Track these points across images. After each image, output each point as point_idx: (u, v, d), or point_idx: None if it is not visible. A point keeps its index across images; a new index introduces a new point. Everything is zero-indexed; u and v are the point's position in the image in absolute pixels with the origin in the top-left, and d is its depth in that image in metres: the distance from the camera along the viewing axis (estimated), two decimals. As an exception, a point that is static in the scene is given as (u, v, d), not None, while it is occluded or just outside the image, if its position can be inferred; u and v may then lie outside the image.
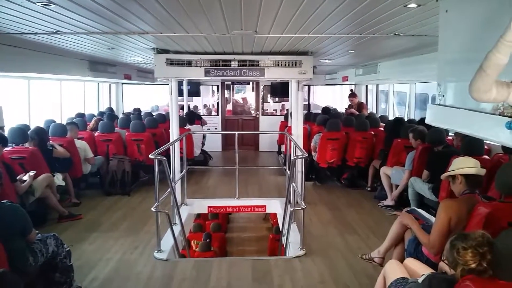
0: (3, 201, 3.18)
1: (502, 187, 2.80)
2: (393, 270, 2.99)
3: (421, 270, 2.80)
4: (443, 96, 2.27)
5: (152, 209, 4.49)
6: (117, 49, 5.64)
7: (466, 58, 2.05)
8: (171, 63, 5.74)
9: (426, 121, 2.43)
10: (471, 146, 4.75)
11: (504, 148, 4.70)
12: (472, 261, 1.86)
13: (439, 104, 2.28)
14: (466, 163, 3.21)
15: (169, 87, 6.08)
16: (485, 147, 5.17)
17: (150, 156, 4.50)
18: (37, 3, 2.73)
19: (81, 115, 8.42)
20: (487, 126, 1.82)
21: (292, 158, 5.20)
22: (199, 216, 9.23)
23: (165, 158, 4.58)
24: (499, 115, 1.77)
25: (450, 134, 6.04)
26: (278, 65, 5.83)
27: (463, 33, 2.13)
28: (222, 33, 4.03)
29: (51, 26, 3.62)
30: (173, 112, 6.17)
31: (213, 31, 3.92)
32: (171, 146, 5.79)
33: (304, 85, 11.75)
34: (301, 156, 4.82)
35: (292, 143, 5.70)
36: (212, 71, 5.84)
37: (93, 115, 8.84)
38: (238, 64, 5.83)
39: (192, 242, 8.25)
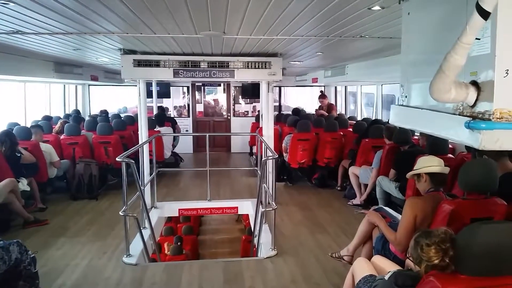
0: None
1: (464, 185, 2.89)
2: (361, 267, 3.04)
3: (388, 267, 2.86)
4: (406, 97, 2.33)
5: (120, 213, 4.40)
6: (83, 50, 5.50)
7: (427, 60, 2.11)
8: (139, 64, 5.64)
9: (390, 122, 2.49)
10: (436, 145, 4.89)
11: (468, 147, 4.86)
12: (435, 257, 1.91)
13: (402, 105, 2.34)
14: (431, 162, 3.30)
15: (137, 88, 5.98)
16: (450, 146, 5.34)
17: (117, 159, 4.41)
18: (-6, 2, 2.63)
19: (47, 118, 8.18)
20: (448, 126, 1.87)
21: (263, 159, 5.21)
22: (170, 219, 9.09)
23: (133, 161, 4.49)
24: (459, 115, 1.82)
25: (416, 134, 6.21)
26: (248, 66, 5.83)
27: (425, 35, 2.19)
28: (190, 34, 4.00)
29: (12, 26, 3.49)
30: (141, 114, 6.07)
31: (180, 32, 3.88)
32: (140, 149, 5.69)
33: (275, 86, 11.86)
34: (271, 157, 4.83)
35: (263, 144, 5.72)
36: (181, 72, 5.77)
37: (59, 118, 8.59)
38: (208, 65, 5.80)
39: (165, 244, 8.12)
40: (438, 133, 1.96)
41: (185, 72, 5.78)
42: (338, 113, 10.53)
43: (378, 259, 3.17)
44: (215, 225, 10.93)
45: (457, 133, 1.78)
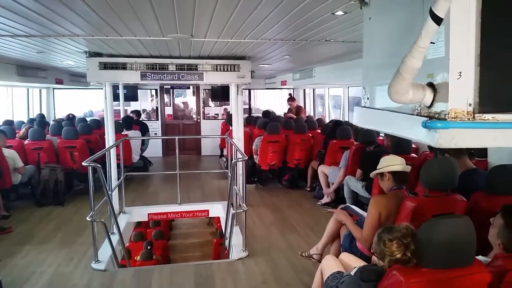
0: None
1: (426, 183, 3.01)
2: (329, 265, 3.12)
3: (355, 264, 2.94)
4: (368, 98, 2.41)
5: (88, 218, 4.32)
6: (46, 52, 5.35)
7: (387, 63, 2.19)
8: (105, 66, 5.55)
9: (353, 123, 2.57)
10: (400, 145, 5.05)
11: (430, 146, 5.06)
12: (397, 251, 2.00)
13: (364, 107, 2.42)
14: (393, 161, 3.43)
15: (103, 91, 5.88)
16: (413, 146, 5.52)
17: (83, 163, 4.33)
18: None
19: (9, 123, 7.90)
20: (407, 126, 1.95)
21: (232, 161, 5.23)
22: (139, 224, 8.96)
23: (100, 166, 4.42)
24: (417, 115, 1.91)
25: (381, 135, 6.40)
26: (216, 69, 5.84)
27: (385, 39, 2.28)
28: (157, 37, 3.98)
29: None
30: (108, 118, 5.97)
31: (147, 34, 3.86)
32: (106, 153, 5.60)
33: (244, 89, 11.92)
34: (241, 159, 4.87)
35: (233, 146, 5.74)
36: (148, 75, 5.72)
37: (22, 122, 8.31)
38: (176, 68, 5.76)
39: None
40: (398, 133, 2.04)
41: (152, 75, 5.73)
42: (307, 115, 10.69)
43: (345, 256, 3.26)
44: (186, 229, 10.83)
45: (415, 132, 1.87)
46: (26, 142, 7.04)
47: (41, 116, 9.56)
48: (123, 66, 5.64)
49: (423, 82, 1.85)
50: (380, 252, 2.10)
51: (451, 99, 1.71)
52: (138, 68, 5.68)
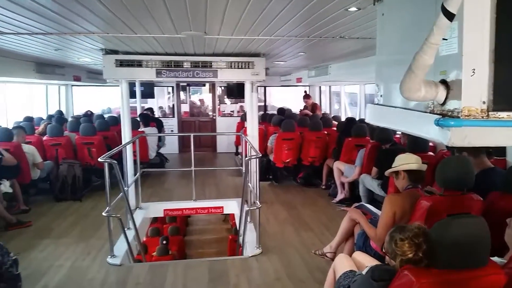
0: None
1: (441, 182, 2.96)
2: (342, 263, 3.09)
3: (368, 263, 2.91)
4: (381, 96, 2.38)
5: (104, 213, 4.39)
6: (64, 50, 5.45)
7: (401, 60, 2.15)
8: (121, 64, 5.61)
9: (366, 120, 2.54)
10: (416, 143, 4.97)
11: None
12: (409, 251, 1.97)
13: (377, 104, 2.39)
14: (408, 160, 3.38)
15: (120, 88, 5.95)
16: (431, 144, 5.43)
17: (100, 159, 4.40)
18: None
19: (29, 119, 8.07)
20: (419, 123, 1.92)
21: (246, 158, 5.24)
22: (156, 220, 9.06)
23: (116, 162, 4.48)
24: (430, 112, 1.87)
25: (397, 133, 6.31)
26: (231, 66, 5.84)
27: (398, 36, 2.24)
28: (171, 34, 4.00)
29: (-10, 26, 3.47)
30: (124, 114, 6.04)
31: (161, 31, 3.88)
32: (123, 149, 5.67)
33: (260, 86, 11.91)
34: (254, 157, 4.87)
35: (247, 143, 5.75)
36: (164, 72, 5.76)
37: (41, 119, 8.49)
38: (191, 65, 5.79)
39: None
40: (411, 131, 2.01)
41: (168, 72, 5.77)
42: (322, 112, 10.62)
43: (358, 255, 3.22)
44: (202, 225, 10.91)
45: (428, 130, 1.83)
46: (44, 138, 7.18)
47: (60, 112, 9.73)
48: (139, 64, 5.70)
49: (436, 79, 1.82)
50: (391, 252, 2.07)
51: (464, 96, 1.67)
52: (154, 66, 5.73)
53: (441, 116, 1.75)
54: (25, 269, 4.16)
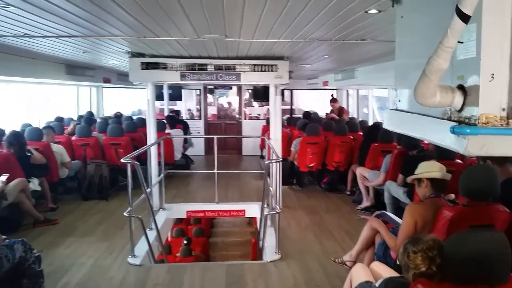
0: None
1: (464, 191, 2.83)
2: (359, 273, 3.01)
3: (386, 274, 2.81)
4: (399, 101, 2.30)
5: (125, 214, 4.46)
6: (91, 52, 5.59)
7: (419, 64, 2.04)
8: (146, 66, 5.71)
9: (384, 126, 2.46)
10: (444, 150, 4.75)
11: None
12: (422, 264, 1.87)
13: (394, 109, 2.31)
14: (432, 167, 3.26)
15: (146, 91, 6.05)
16: (459, 151, 5.21)
17: (122, 160, 4.47)
18: (-5, 6, 2.70)
19: (59, 119, 8.32)
20: (435, 130, 1.83)
21: (266, 162, 5.20)
22: (181, 220, 9.16)
23: (138, 163, 4.54)
24: (447, 119, 1.79)
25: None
26: (254, 69, 5.83)
27: (417, 39, 2.15)
28: (192, 37, 4.03)
29: (19, 29, 3.59)
30: (150, 116, 6.14)
31: (182, 35, 3.91)
32: (147, 150, 5.75)
33: (286, 89, 11.86)
34: (274, 161, 4.82)
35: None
36: (188, 75, 5.81)
37: (71, 119, 8.74)
38: (214, 68, 5.82)
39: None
40: (427, 138, 1.93)
41: (192, 75, 5.82)
42: (350, 117, 10.45)
43: (376, 265, 3.13)
44: (227, 228, 10.96)
45: (444, 138, 1.75)
46: (73, 138, 7.38)
47: (90, 113, 9.99)
48: (164, 67, 5.77)
49: (454, 84, 1.73)
50: (404, 264, 1.98)
51: (482, 103, 1.58)
52: (178, 69, 5.78)
53: (457, 123, 1.67)
54: (49, 266, 4.29)
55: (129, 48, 5.24)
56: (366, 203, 6.45)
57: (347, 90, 11.77)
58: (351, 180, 7.35)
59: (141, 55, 5.76)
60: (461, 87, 1.69)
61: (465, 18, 1.45)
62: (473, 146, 1.60)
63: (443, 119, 1.81)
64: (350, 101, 11.94)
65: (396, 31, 2.37)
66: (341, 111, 10.13)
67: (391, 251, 3.33)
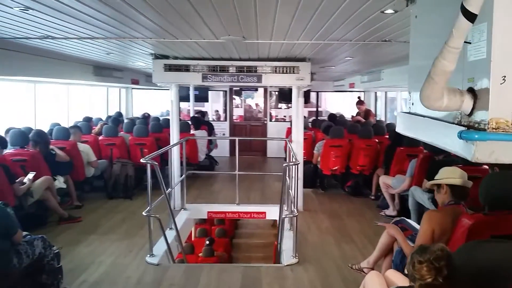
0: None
1: (484, 199, 2.70)
2: (372, 281, 2.92)
3: (400, 283, 2.72)
4: (413, 104, 2.21)
5: (144, 213, 4.50)
6: (115, 54, 5.72)
7: (432, 65, 1.99)
8: (169, 68, 5.78)
9: (397, 130, 2.37)
10: (470, 155, 4.59)
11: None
12: (427, 275, 1.78)
13: (407, 112, 2.22)
14: (452, 174, 3.14)
15: (170, 92, 6.13)
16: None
17: (142, 160, 4.53)
18: (15, 8, 2.79)
19: (87, 119, 8.54)
20: (444, 135, 1.75)
21: (284, 165, 5.14)
22: (204, 221, 9.22)
23: (156, 163, 4.59)
24: (457, 124, 1.70)
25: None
26: (275, 71, 5.80)
27: (430, 40, 2.06)
28: (211, 39, 4.04)
29: (41, 31, 3.70)
30: (173, 118, 6.21)
31: (200, 37, 3.93)
32: (169, 150, 5.80)
33: (312, 91, 11.75)
34: (293, 163, 4.76)
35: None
36: (209, 76, 5.85)
37: (99, 119, 8.96)
38: (236, 70, 5.83)
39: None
40: (436, 143, 1.84)
41: (213, 77, 5.85)
42: (377, 119, 10.23)
43: (391, 274, 3.03)
44: (251, 229, 10.93)
45: (452, 143, 1.67)
46: (100, 138, 7.56)
47: (119, 114, 10.20)
48: (186, 68, 5.83)
49: (464, 87, 1.64)
50: (410, 275, 1.90)
51: (492, 106, 1.49)
52: (200, 70, 5.83)
53: (465, 128, 1.58)
54: (69, 263, 4.38)
55: (152, 50, 5.32)
56: (392, 212, 6.26)
57: (375, 92, 11.53)
58: (376, 184, 7.17)
59: (165, 57, 5.84)
60: (471, 90, 1.60)
61: (471, 17, 1.37)
62: (481, 152, 1.51)
63: (452, 123, 1.73)
64: (378, 104, 11.69)
65: (410, 31, 2.29)
66: (367, 113, 9.93)
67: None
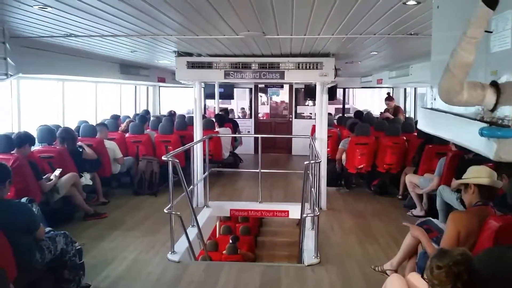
0: (10, 199, 3.31)
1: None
2: (393, 284, 2.81)
3: (423, 286, 2.61)
4: (435, 99, 2.09)
5: (165, 210, 4.52)
6: (139, 51, 5.77)
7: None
8: (192, 65, 5.78)
9: (418, 126, 2.26)
10: (503, 154, 4.37)
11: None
12: (446, 281, 1.68)
13: (429, 108, 2.10)
14: (480, 173, 3.00)
15: (193, 89, 6.15)
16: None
17: (163, 157, 4.55)
18: (34, 6, 2.83)
19: (115, 117, 8.69)
20: (466, 132, 1.64)
21: (305, 162, 5.04)
22: (229, 218, 9.22)
23: (177, 160, 4.60)
24: (479, 120, 1.59)
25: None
26: (298, 67, 5.69)
27: (454, 32, 1.93)
28: (231, 35, 4.00)
29: (63, 29, 3.76)
30: (196, 115, 6.23)
31: (220, 33, 3.90)
32: (192, 148, 5.82)
33: (339, 88, 11.52)
34: (314, 161, 4.67)
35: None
36: (232, 73, 5.81)
37: (127, 117, 9.10)
38: (258, 67, 5.76)
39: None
40: (457, 140, 1.73)
41: (235, 74, 5.81)
42: (406, 116, 9.94)
43: (414, 277, 2.90)
44: (275, 227, 10.85)
45: (474, 140, 1.56)
46: (127, 135, 7.67)
47: (146, 112, 10.34)
48: (209, 65, 5.82)
49: (487, 80, 1.53)
50: (429, 280, 1.79)
51: (517, 101, 1.37)
52: (222, 67, 5.80)
53: (487, 125, 1.47)
54: (93, 259, 4.45)
55: (175, 47, 5.34)
56: (420, 212, 6.06)
57: (405, 88, 11.21)
58: (404, 183, 6.95)
59: (188, 54, 5.84)
60: (494, 84, 1.49)
61: (492, 3, 1.26)
62: (504, 150, 1.40)
63: (474, 119, 1.61)
64: (408, 100, 11.37)
65: (432, 23, 2.17)
66: (396, 110, 9.66)
67: (433, 262, 3.08)
